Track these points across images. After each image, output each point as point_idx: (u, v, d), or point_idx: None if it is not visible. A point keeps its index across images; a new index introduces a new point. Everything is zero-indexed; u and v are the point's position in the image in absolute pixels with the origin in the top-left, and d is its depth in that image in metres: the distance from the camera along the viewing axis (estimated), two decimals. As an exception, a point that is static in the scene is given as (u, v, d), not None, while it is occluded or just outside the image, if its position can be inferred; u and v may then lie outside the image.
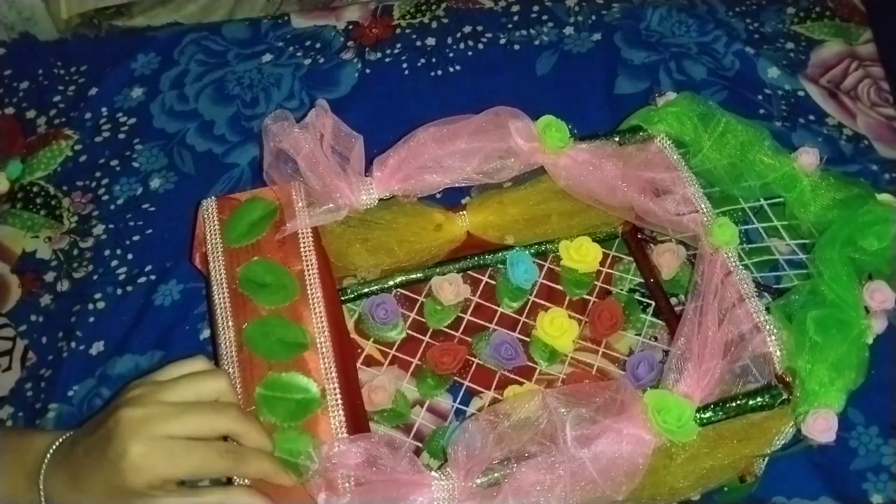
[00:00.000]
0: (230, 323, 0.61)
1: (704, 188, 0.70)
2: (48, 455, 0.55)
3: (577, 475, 0.53)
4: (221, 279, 0.63)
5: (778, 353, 0.59)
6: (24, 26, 1.07)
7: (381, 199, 0.68)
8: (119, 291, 0.79)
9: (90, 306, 0.78)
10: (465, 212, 0.74)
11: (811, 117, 0.87)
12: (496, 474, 0.54)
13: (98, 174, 0.88)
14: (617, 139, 0.73)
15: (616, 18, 0.98)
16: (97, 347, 0.75)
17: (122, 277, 0.80)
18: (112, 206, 0.85)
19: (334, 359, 0.59)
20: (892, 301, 0.62)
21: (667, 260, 0.74)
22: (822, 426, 0.57)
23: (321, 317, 0.61)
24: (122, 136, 0.91)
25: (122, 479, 0.50)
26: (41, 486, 0.54)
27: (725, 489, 0.63)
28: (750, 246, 0.72)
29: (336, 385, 0.58)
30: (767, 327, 0.60)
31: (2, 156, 0.89)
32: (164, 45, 0.98)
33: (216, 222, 0.66)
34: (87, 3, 1.13)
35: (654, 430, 0.55)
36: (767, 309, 0.61)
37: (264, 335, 0.60)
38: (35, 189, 0.87)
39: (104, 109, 0.93)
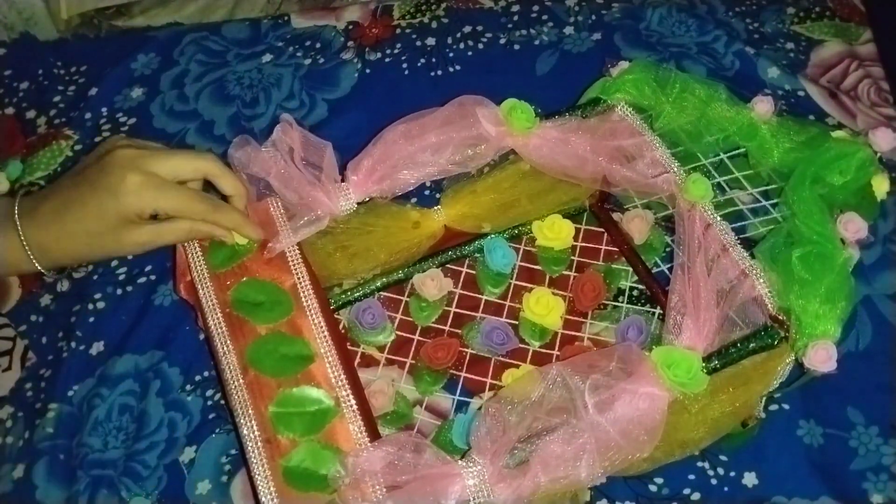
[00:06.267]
0: (230, 347, 0.61)
1: (669, 149, 0.72)
2: (16, 202, 0.65)
3: (600, 441, 0.54)
4: (213, 305, 0.63)
5: (768, 294, 0.62)
6: (24, 26, 1.07)
7: (359, 203, 0.68)
8: (119, 291, 0.79)
9: (90, 306, 0.78)
10: (439, 206, 0.74)
11: (811, 117, 0.87)
12: (523, 453, 0.55)
13: (98, 174, 0.88)
14: (579, 113, 0.74)
15: (616, 18, 0.98)
16: (97, 347, 0.75)
17: (122, 277, 0.80)
18: (112, 206, 0.85)
19: (341, 366, 0.59)
20: (865, 230, 0.65)
21: (637, 225, 0.76)
22: (822, 356, 0.59)
23: (321, 327, 0.62)
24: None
25: (116, 203, 0.60)
26: (18, 226, 0.63)
27: (730, 436, 0.64)
28: (713, 200, 0.73)
29: (348, 392, 0.59)
30: (754, 272, 0.63)
31: (2, 156, 0.89)
32: (164, 45, 0.98)
33: (198, 249, 0.66)
34: (87, 3, 1.13)
35: (666, 386, 0.57)
36: (751, 254, 0.64)
37: (268, 354, 0.60)
38: (35, 189, 0.87)
39: (104, 109, 0.93)
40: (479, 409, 0.68)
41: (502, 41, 0.97)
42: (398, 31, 0.98)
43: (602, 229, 0.79)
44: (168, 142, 0.89)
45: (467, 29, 0.98)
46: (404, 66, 0.95)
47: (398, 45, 0.97)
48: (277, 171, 0.65)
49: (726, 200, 0.74)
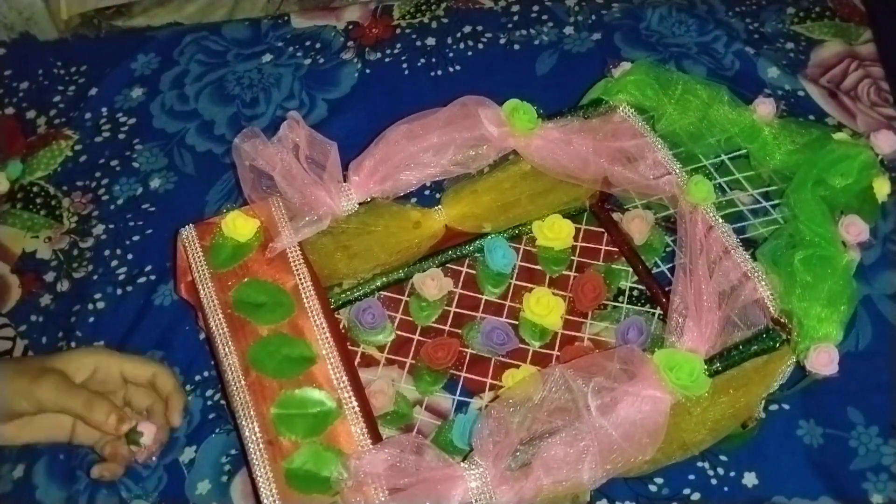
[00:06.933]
0: (232, 348, 0.61)
1: (670, 150, 0.72)
2: None
3: (603, 443, 0.54)
4: (215, 306, 0.63)
5: (770, 297, 0.61)
6: (24, 26, 1.07)
7: (360, 203, 0.68)
8: (119, 291, 0.79)
9: (90, 306, 0.78)
10: (440, 206, 0.74)
11: (811, 117, 0.87)
12: (525, 455, 0.54)
13: (98, 174, 0.88)
14: (581, 114, 0.74)
15: (616, 18, 0.98)
16: (97, 347, 0.75)
17: (122, 277, 0.80)
18: (112, 206, 0.85)
19: (343, 367, 0.59)
20: (867, 233, 0.65)
21: (637, 226, 0.76)
22: (824, 360, 0.59)
23: (323, 328, 0.61)
24: (122, 136, 0.91)
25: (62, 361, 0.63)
26: None
27: (729, 437, 0.64)
28: (714, 201, 0.73)
29: (350, 394, 0.58)
30: (756, 274, 0.62)
31: (2, 156, 0.89)
32: (164, 45, 0.98)
33: (199, 249, 0.66)
34: (87, 3, 1.13)
35: (668, 388, 0.57)
36: (753, 256, 0.64)
37: (269, 355, 0.60)
38: (35, 189, 0.87)
39: (104, 109, 0.93)
40: (480, 409, 0.68)
41: (502, 41, 0.97)
42: (398, 31, 0.98)
43: (602, 229, 0.79)
44: (168, 141, 0.89)
45: (467, 29, 0.98)
46: (404, 66, 0.95)
47: (398, 45, 0.97)
48: (282, 168, 0.65)
49: (727, 201, 0.74)
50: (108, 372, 0.64)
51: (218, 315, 0.62)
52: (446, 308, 0.75)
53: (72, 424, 0.65)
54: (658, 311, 0.73)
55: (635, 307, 0.74)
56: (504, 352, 0.71)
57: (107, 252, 0.82)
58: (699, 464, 0.66)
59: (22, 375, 0.62)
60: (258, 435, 0.57)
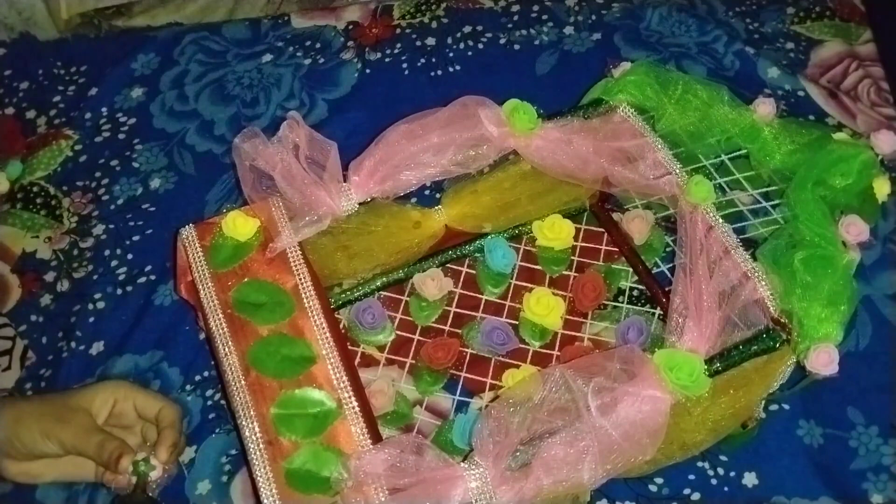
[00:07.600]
0: (232, 348, 0.61)
1: (670, 150, 0.72)
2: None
3: (603, 444, 0.54)
4: (215, 306, 0.63)
5: (770, 297, 0.61)
6: (24, 26, 1.07)
7: (360, 203, 0.68)
8: (119, 291, 0.79)
9: (90, 306, 0.78)
10: (440, 206, 0.74)
11: (811, 117, 0.87)
12: (525, 455, 0.54)
13: (98, 174, 0.88)
14: (581, 114, 0.74)
15: (616, 18, 0.98)
16: (97, 347, 0.75)
17: (122, 277, 0.80)
18: (112, 206, 0.85)
19: (343, 367, 0.59)
20: (867, 233, 0.65)
21: (637, 226, 0.76)
22: (824, 359, 0.59)
23: (323, 328, 0.62)
24: (122, 136, 0.91)
25: (81, 397, 0.64)
26: None
27: (730, 437, 0.64)
28: (714, 202, 0.73)
29: (350, 394, 0.58)
30: (756, 274, 0.62)
31: (2, 156, 0.89)
32: (164, 45, 0.98)
33: (199, 249, 0.66)
34: (87, 3, 1.13)
35: (668, 388, 0.57)
36: (753, 256, 0.64)
37: (269, 355, 0.60)
38: (35, 189, 0.87)
39: (104, 109, 0.93)
40: (480, 409, 0.68)
41: (502, 41, 0.97)
42: (398, 31, 0.98)
43: (602, 229, 0.79)
44: (168, 141, 0.89)
45: (467, 29, 0.98)
46: (404, 66, 0.95)
47: (398, 45, 0.97)
48: (282, 168, 0.65)
49: (727, 201, 0.74)
50: (125, 405, 0.64)
51: (218, 315, 0.62)
52: (446, 308, 0.75)
53: (95, 465, 0.64)
54: (658, 311, 0.73)
55: (635, 307, 0.74)
56: (504, 352, 0.71)
57: (107, 252, 0.82)
58: (699, 464, 0.66)
59: (47, 416, 0.62)
60: (258, 435, 0.57)
